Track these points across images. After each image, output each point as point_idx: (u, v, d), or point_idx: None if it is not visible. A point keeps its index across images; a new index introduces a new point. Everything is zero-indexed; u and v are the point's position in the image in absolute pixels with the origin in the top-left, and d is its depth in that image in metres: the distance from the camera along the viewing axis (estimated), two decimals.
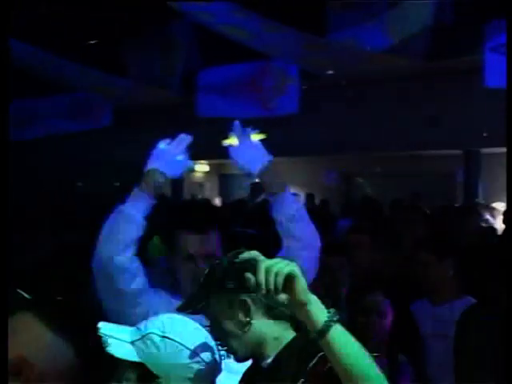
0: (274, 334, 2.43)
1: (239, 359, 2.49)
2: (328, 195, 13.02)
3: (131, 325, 2.48)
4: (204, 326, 2.50)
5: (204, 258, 3.08)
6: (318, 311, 2.05)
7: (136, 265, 3.01)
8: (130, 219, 2.97)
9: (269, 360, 2.43)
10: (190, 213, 3.70)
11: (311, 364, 2.23)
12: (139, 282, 3.00)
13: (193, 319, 2.50)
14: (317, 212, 9.68)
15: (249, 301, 2.41)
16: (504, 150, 12.43)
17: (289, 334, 2.46)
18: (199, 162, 17.48)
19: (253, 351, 2.46)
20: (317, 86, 11.88)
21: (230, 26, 9.05)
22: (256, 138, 3.23)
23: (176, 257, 3.18)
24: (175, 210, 8.10)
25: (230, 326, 2.42)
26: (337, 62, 10.10)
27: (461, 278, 4.55)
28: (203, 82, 11.17)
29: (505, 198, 11.23)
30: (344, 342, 2.03)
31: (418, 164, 13.75)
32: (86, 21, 10.77)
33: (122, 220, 2.97)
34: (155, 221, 3.10)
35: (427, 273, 4.42)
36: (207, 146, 7.36)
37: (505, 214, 5.31)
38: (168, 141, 3.16)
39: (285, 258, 2.74)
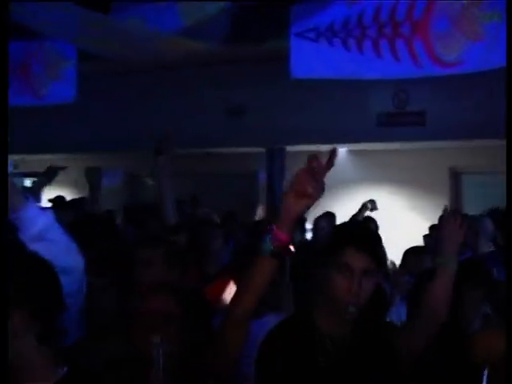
0: (37, 365, 2.31)
1: None
2: (110, 198, 12.50)
3: None
4: None
5: None
6: None
7: None
8: None
9: None
10: None
11: None
12: None
13: None
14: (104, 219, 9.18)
15: (26, 313, 2.27)
16: (308, 147, 12.66)
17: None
18: None
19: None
20: (100, 70, 11.54)
21: None
22: None
23: None
24: None
25: None
26: (123, 43, 9.63)
27: None
28: None
29: None
30: None
31: (217, 163, 13.62)
32: None
33: None
34: None
35: None
36: None
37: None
38: None
39: None
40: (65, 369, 2.36)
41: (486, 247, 6.99)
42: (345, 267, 2.94)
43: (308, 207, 2.54)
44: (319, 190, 2.50)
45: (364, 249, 2.96)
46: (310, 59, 8.74)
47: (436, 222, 8.55)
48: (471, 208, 10.38)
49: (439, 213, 8.16)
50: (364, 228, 3.17)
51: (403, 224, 11.33)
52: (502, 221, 7.29)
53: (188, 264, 5.12)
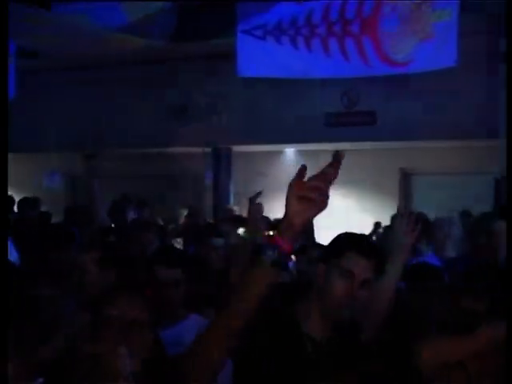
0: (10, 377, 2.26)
1: None
2: (51, 200, 12.27)
3: None
4: None
5: None
6: None
7: None
8: None
9: None
10: None
11: None
12: None
13: None
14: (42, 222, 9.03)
15: None
16: (257, 148, 12.62)
17: None
18: None
19: None
20: (42, 67, 11.40)
21: None
22: None
23: None
24: None
25: None
26: (65, 40, 9.61)
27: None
28: None
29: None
30: None
31: (163, 163, 13.36)
32: None
33: None
34: None
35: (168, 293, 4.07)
36: None
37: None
38: None
39: None
40: (40, 380, 2.32)
41: (452, 251, 6.94)
42: (347, 272, 3.02)
43: (315, 215, 2.32)
44: (326, 199, 2.26)
45: (368, 258, 3.04)
46: (258, 57, 8.68)
47: (386, 223, 8.54)
48: (422, 210, 10.38)
49: (389, 214, 8.19)
50: (370, 239, 3.24)
51: (353, 226, 11.17)
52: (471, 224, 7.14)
53: (123, 268, 5.00)
